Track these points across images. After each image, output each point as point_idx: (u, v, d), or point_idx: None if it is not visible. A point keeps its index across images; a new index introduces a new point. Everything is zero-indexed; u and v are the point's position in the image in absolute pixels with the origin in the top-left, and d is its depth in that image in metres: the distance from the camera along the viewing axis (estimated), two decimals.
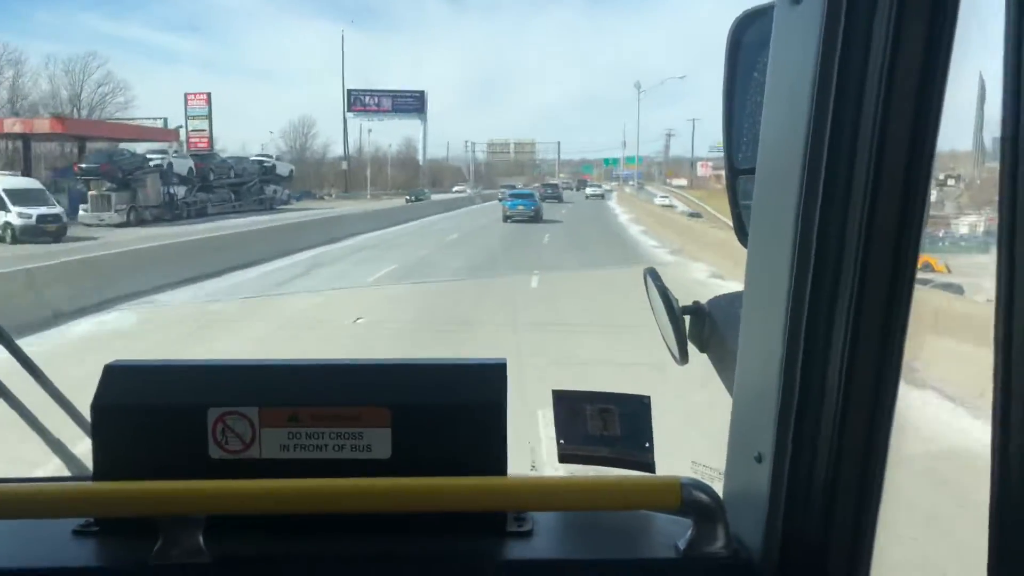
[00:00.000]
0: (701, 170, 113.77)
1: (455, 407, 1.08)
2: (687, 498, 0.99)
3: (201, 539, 0.99)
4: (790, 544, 0.97)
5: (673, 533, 1.06)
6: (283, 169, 61.57)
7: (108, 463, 1.07)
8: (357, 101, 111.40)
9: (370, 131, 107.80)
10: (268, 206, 53.72)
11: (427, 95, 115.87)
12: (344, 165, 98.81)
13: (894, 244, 0.86)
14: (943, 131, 0.84)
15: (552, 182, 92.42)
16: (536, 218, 38.44)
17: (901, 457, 0.95)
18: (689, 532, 1.02)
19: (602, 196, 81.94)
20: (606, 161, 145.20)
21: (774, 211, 0.94)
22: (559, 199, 65.68)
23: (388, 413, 1.06)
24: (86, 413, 1.13)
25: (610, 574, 1.05)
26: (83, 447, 1.24)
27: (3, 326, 1.43)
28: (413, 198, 70.81)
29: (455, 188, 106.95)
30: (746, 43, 1.14)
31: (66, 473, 1.37)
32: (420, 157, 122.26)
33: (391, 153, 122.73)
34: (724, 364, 1.13)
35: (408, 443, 1.06)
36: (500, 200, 48.12)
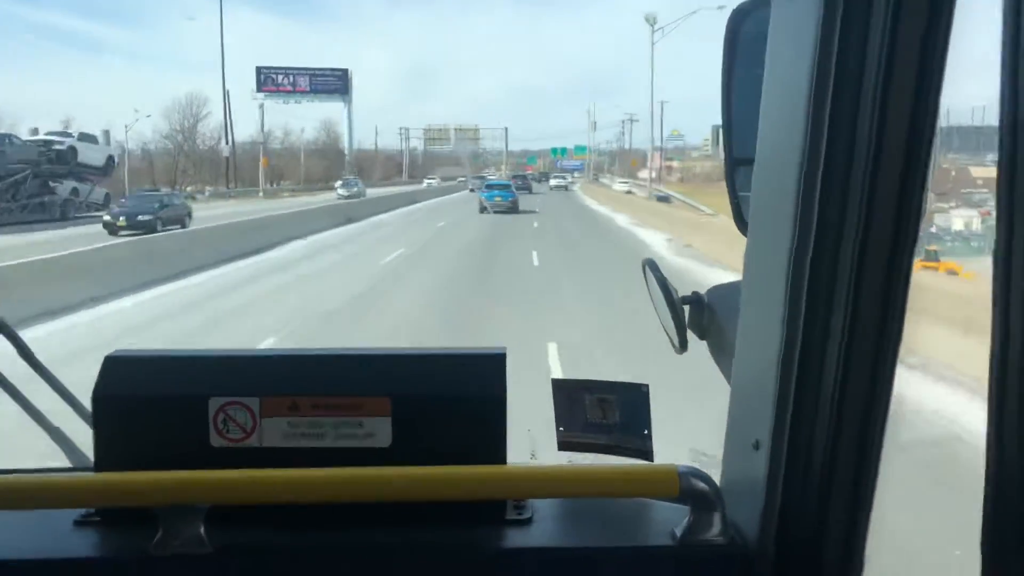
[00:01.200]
0: (656, 162, 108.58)
1: (455, 396, 1.08)
2: (684, 486, 0.99)
3: (202, 529, 0.99)
4: (786, 531, 0.98)
5: (671, 520, 1.07)
6: (91, 155, 39.42)
7: (109, 454, 1.07)
8: (268, 80, 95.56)
9: (261, 106, 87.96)
10: (59, 214, 34.10)
11: (351, 74, 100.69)
12: (226, 152, 72.73)
13: (892, 232, 0.87)
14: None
15: (522, 173, 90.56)
16: (514, 209, 38.24)
17: (897, 445, 0.96)
18: (686, 519, 1.03)
19: (566, 188, 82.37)
20: (553, 151, 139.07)
21: (772, 201, 0.95)
22: (529, 190, 64.88)
23: (388, 402, 1.06)
24: (87, 403, 1.14)
25: (608, 561, 1.06)
26: (84, 437, 1.25)
27: (3, 318, 1.43)
28: (346, 193, 53.45)
29: (427, 178, 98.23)
30: (744, 34, 1.14)
31: (67, 464, 1.37)
32: (345, 145, 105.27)
33: (306, 140, 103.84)
34: (722, 353, 1.14)
35: (408, 432, 1.07)
36: (472, 190, 46.64)
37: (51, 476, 1.07)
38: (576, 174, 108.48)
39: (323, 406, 1.06)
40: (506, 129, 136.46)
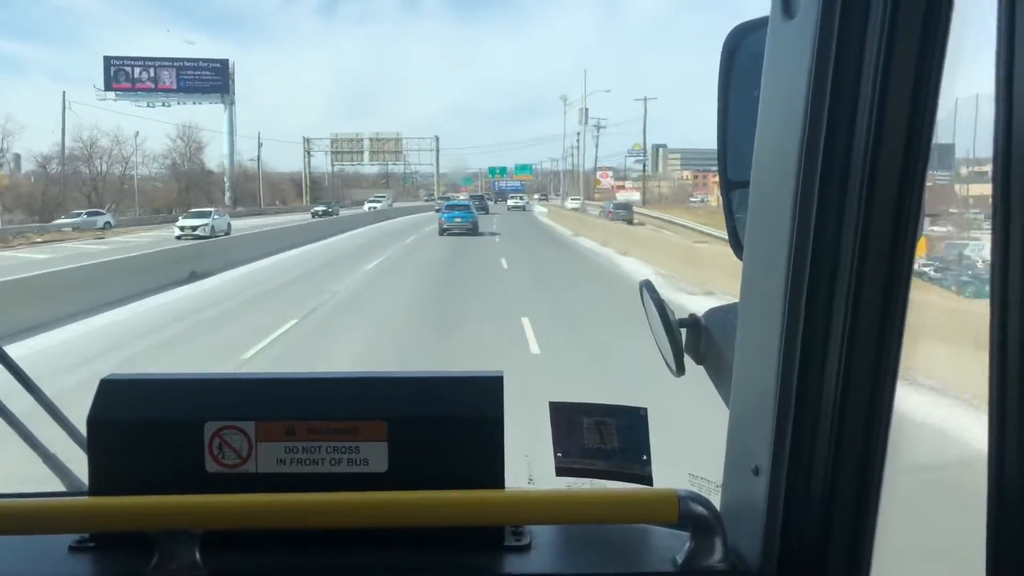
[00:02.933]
0: (605, 180, 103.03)
1: (452, 420, 1.07)
2: (685, 511, 0.98)
3: (197, 554, 0.98)
4: (788, 557, 0.97)
5: (671, 546, 1.05)
6: None
7: (104, 478, 1.06)
8: (120, 75, 73.51)
9: (69, 105, 61.80)
10: None
11: (232, 67, 78.67)
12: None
13: (888, 255, 0.86)
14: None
15: (478, 194, 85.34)
16: (474, 231, 37.17)
17: (898, 468, 0.95)
18: (687, 545, 1.01)
19: (523, 208, 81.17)
20: (491, 171, 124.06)
21: (769, 223, 0.95)
22: (486, 210, 63.30)
23: (385, 426, 1.06)
24: (81, 427, 1.13)
25: None
26: (79, 462, 1.23)
27: None
28: (194, 227, 36.05)
29: (369, 200, 75.64)
30: (740, 56, 1.14)
31: (61, 488, 1.36)
32: (224, 160, 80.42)
33: (154, 152, 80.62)
34: (721, 376, 1.13)
35: (405, 456, 1.06)
36: (436, 211, 43.87)
37: (45, 500, 1.06)
38: (521, 196, 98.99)
39: (319, 430, 1.06)
40: (436, 139, 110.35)
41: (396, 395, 1.12)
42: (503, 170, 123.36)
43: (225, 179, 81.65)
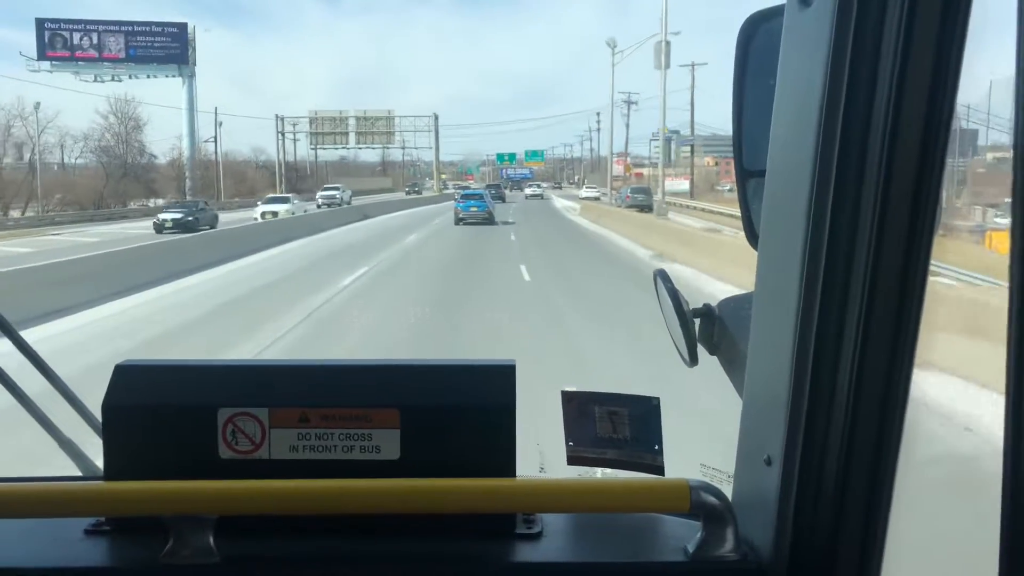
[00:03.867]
0: (616, 167, 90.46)
1: (464, 408, 1.08)
2: (696, 501, 0.98)
3: (211, 539, 0.99)
4: (800, 548, 0.96)
5: (682, 536, 1.05)
6: None
7: (119, 463, 1.08)
8: (57, 41, 59.88)
9: None
10: None
11: (194, 31, 64.57)
12: None
13: (905, 246, 0.86)
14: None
15: (495, 183, 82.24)
16: (490, 220, 36.73)
17: (911, 460, 0.95)
18: (698, 535, 1.01)
19: (541, 196, 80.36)
20: (499, 157, 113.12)
21: (784, 213, 0.94)
22: (502, 199, 61.49)
23: (397, 414, 1.06)
24: (97, 412, 1.14)
25: None
26: (94, 447, 1.25)
27: (12, 325, 1.44)
28: None
29: (323, 192, 58.95)
30: (755, 45, 1.14)
31: (77, 473, 1.37)
32: (185, 143, 66.26)
33: (73, 131, 62.66)
34: (734, 367, 1.13)
35: (417, 444, 1.06)
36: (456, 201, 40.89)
37: (61, 485, 1.07)
38: (539, 184, 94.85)
39: (332, 417, 1.06)
40: (435, 117, 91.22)
41: (409, 383, 1.12)
42: (512, 156, 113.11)
43: (185, 166, 67.44)
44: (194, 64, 66.20)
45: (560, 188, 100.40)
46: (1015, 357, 0.67)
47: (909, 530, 1.05)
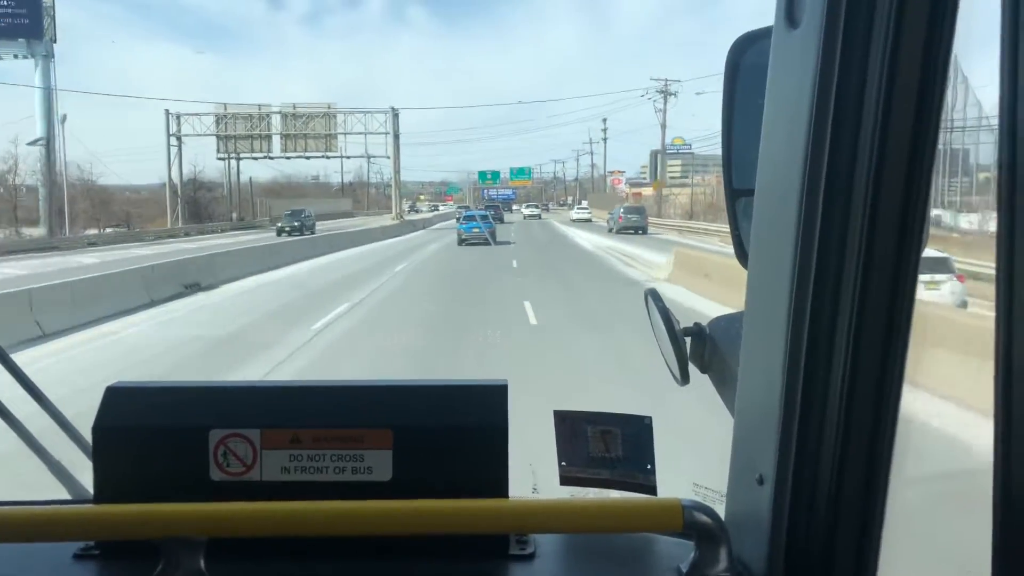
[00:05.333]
0: (616, 186, 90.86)
1: (457, 428, 1.07)
2: (689, 520, 0.98)
3: (202, 562, 0.98)
4: (793, 567, 0.96)
5: (676, 555, 1.05)
6: None
7: (109, 485, 1.07)
8: None
9: None
10: None
11: None
12: None
13: (893, 264, 0.86)
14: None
15: (494, 204, 76.64)
16: (491, 240, 37.44)
17: (904, 477, 0.95)
18: (692, 555, 1.01)
19: (539, 216, 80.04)
20: (481, 176, 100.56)
21: (773, 232, 0.95)
22: (501, 220, 57.90)
23: (390, 434, 1.06)
24: (87, 435, 1.13)
25: None
26: (83, 469, 1.24)
27: (3, 347, 1.43)
28: None
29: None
30: (744, 66, 1.15)
31: (66, 496, 1.36)
32: (38, 152, 46.47)
33: None
34: (725, 385, 1.13)
35: (409, 465, 1.06)
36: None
37: (50, 508, 1.06)
38: (536, 205, 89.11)
39: (324, 438, 1.06)
40: (393, 112, 63.87)
41: (401, 403, 1.12)
42: (495, 175, 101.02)
43: (39, 185, 48.26)
44: (52, 40, 47.37)
45: (547, 210, 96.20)
46: (1003, 366, 0.67)
47: (903, 547, 1.05)
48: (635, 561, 1.10)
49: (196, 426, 1.06)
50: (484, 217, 41.26)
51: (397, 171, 66.85)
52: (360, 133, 63.58)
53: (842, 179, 0.87)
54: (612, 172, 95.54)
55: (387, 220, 60.19)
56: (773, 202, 0.95)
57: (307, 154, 64.36)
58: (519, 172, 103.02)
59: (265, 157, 65.12)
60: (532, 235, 47.12)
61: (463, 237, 38.10)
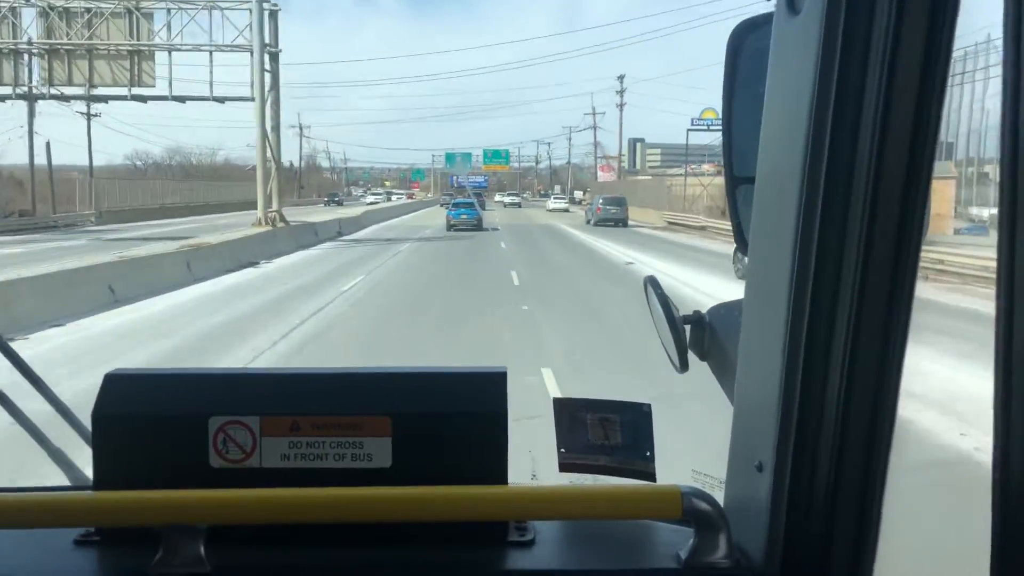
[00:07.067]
0: (602, 174, 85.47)
1: (456, 416, 1.07)
2: (688, 507, 0.98)
3: (202, 548, 0.98)
4: (792, 553, 0.97)
5: (675, 542, 1.05)
6: None
7: (108, 472, 1.07)
8: None
9: None
10: None
11: None
12: None
13: (894, 252, 0.86)
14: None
15: (478, 191, 78.75)
16: (479, 227, 40.01)
17: (903, 465, 0.95)
18: (691, 541, 1.01)
19: (519, 204, 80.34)
20: (448, 157, 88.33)
21: (774, 219, 0.94)
22: (483, 206, 59.97)
23: (389, 422, 1.06)
24: (86, 422, 1.13)
25: None
26: (83, 456, 1.24)
27: (2, 334, 1.43)
28: None
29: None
30: (745, 52, 1.14)
31: (66, 483, 1.36)
32: None
33: None
34: (725, 373, 1.13)
35: (408, 452, 1.06)
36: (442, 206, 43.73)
37: (50, 495, 1.07)
38: (515, 193, 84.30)
39: (323, 426, 1.06)
40: (263, 7, 29.49)
41: (400, 390, 1.12)
42: (467, 157, 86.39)
43: None
44: None
45: (524, 200, 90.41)
46: (1003, 363, 0.67)
47: (901, 534, 1.05)
48: (634, 548, 1.10)
49: (196, 413, 1.06)
50: (471, 205, 43.77)
51: (269, 128, 32.44)
52: (204, 48, 32.20)
53: (843, 166, 0.86)
54: (604, 157, 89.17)
55: (246, 228, 31.77)
56: (773, 190, 0.94)
57: (93, 92, 33.60)
58: (495, 155, 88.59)
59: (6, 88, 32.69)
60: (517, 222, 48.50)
61: (452, 223, 40.64)
